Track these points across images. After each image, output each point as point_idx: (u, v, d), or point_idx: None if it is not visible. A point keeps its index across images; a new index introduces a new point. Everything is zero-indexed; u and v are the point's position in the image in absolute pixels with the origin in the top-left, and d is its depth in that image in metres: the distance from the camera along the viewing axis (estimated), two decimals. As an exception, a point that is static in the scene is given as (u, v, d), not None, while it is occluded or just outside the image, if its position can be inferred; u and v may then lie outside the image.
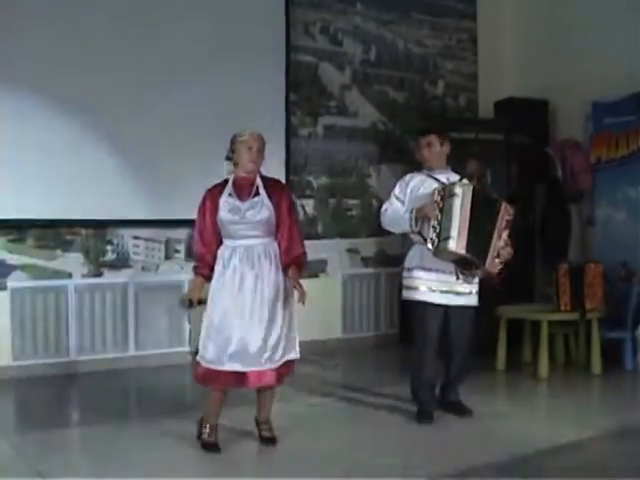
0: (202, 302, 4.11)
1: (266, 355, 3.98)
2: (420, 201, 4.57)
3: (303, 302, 3.99)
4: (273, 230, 4.08)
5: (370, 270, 7.55)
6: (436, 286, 4.59)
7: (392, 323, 7.59)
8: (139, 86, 6.27)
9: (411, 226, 4.56)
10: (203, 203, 4.12)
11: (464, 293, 4.63)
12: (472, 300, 4.68)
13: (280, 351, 4.03)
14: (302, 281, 4.04)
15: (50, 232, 6.13)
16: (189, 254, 6.53)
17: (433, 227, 4.43)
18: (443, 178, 4.65)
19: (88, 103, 6.04)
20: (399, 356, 6.61)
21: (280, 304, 4.04)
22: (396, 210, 4.68)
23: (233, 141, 4.11)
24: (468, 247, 4.38)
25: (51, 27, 5.98)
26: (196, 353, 4.12)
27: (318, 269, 7.10)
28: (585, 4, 7.25)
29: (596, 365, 5.98)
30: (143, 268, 6.49)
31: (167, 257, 6.59)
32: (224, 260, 4.05)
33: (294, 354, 4.14)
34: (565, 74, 7.21)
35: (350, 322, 7.44)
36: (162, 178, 6.32)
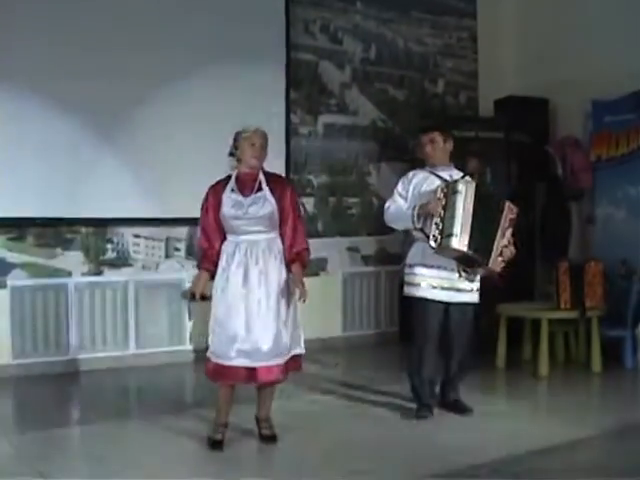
0: (205, 298, 4.12)
1: (274, 350, 3.98)
2: (423, 198, 4.57)
3: (304, 300, 4.03)
4: (277, 226, 4.09)
5: (370, 268, 7.55)
6: (437, 283, 4.59)
7: (392, 321, 7.58)
8: (138, 85, 6.26)
9: (413, 223, 4.56)
10: (206, 199, 4.14)
11: (465, 290, 4.63)
12: (473, 297, 4.68)
13: (287, 346, 4.05)
14: (303, 279, 4.06)
15: (50, 230, 6.13)
16: (189, 252, 6.55)
17: (436, 224, 4.43)
18: (446, 175, 4.66)
19: (88, 103, 6.03)
20: (399, 354, 6.61)
21: (285, 299, 4.06)
22: (399, 207, 4.69)
23: (236, 137, 4.13)
24: (470, 244, 4.38)
25: (51, 27, 5.98)
26: (206, 349, 4.13)
27: (318, 267, 7.10)
28: (585, 3, 7.25)
29: (596, 363, 5.98)
30: (143, 266, 6.49)
31: (167, 255, 6.59)
32: (228, 255, 4.06)
33: (300, 349, 4.17)
34: (565, 72, 7.20)
35: (350, 320, 7.44)
36: (162, 177, 6.31)
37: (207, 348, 4.11)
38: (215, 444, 4.10)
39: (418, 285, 4.62)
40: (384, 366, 6.42)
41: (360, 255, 7.53)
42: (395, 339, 7.43)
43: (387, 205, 4.78)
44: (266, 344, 3.96)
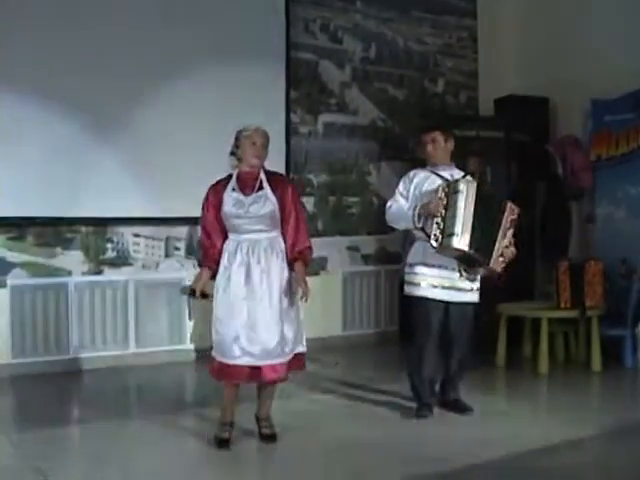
0: (206, 296, 4.13)
1: (279, 349, 3.99)
2: (424, 198, 4.57)
3: (306, 300, 4.04)
4: (278, 224, 4.10)
5: (370, 267, 7.55)
6: (438, 282, 4.59)
7: (392, 320, 7.58)
8: (139, 83, 6.26)
9: (414, 222, 4.56)
10: (206, 198, 4.15)
11: (465, 290, 4.63)
12: (473, 297, 4.68)
13: (290, 345, 4.06)
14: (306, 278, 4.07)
15: (50, 230, 6.13)
16: (189, 252, 6.55)
17: (437, 224, 4.43)
18: (447, 175, 4.66)
19: (88, 102, 6.04)
20: (399, 353, 6.61)
21: (288, 298, 4.07)
22: (400, 207, 4.69)
23: (238, 136, 4.14)
24: (472, 244, 4.38)
25: (51, 27, 5.98)
26: (210, 348, 4.14)
27: (318, 267, 7.09)
28: (585, 3, 7.24)
29: (596, 362, 5.98)
30: (143, 266, 6.49)
31: (167, 255, 6.59)
32: (229, 254, 4.07)
33: (302, 347, 4.18)
34: (565, 72, 7.20)
35: (350, 319, 7.44)
36: (162, 176, 6.31)
37: (210, 347, 4.12)
38: (222, 442, 4.10)
39: (418, 284, 4.62)
40: (384, 365, 6.42)
41: (360, 254, 7.53)
42: (395, 338, 7.43)
43: (389, 205, 4.78)
44: (271, 343, 3.97)
